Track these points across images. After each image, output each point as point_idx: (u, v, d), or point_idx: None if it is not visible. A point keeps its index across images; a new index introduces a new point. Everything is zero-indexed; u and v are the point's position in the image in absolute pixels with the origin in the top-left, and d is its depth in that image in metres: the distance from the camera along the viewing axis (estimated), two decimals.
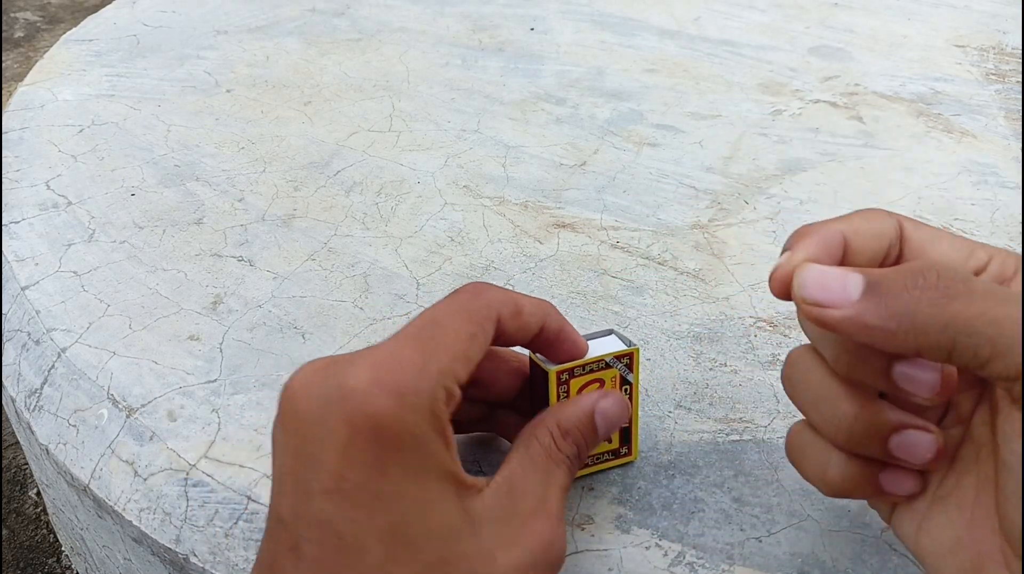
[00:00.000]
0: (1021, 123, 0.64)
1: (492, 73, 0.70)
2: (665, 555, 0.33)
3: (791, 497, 0.35)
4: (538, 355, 0.32)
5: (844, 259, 0.27)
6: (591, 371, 0.32)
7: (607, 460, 0.35)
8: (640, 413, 0.39)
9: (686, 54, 0.74)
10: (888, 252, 0.27)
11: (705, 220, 0.52)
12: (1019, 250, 0.50)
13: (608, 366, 0.32)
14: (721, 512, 0.34)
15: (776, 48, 0.76)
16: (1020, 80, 0.71)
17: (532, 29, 0.78)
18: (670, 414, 0.39)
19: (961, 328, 0.22)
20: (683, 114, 0.65)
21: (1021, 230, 0.52)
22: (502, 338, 0.30)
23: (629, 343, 0.33)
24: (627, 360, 0.33)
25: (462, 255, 0.49)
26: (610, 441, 0.34)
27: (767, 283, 0.27)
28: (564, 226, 0.52)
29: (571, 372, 0.32)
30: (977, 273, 0.26)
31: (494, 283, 0.44)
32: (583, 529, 0.33)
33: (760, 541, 0.33)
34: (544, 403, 0.32)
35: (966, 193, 0.56)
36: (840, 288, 0.24)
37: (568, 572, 0.32)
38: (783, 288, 0.26)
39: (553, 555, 0.27)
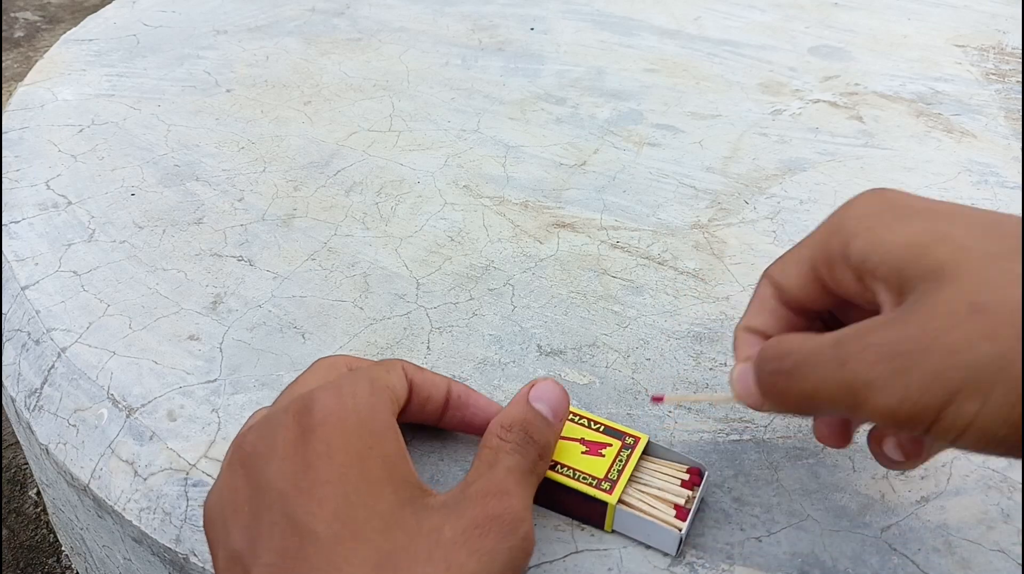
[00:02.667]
0: (1021, 123, 0.64)
1: (492, 73, 0.70)
2: (665, 555, 0.33)
3: (791, 497, 0.35)
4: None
5: (783, 298, 0.31)
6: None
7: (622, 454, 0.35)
8: (639, 413, 0.39)
9: (686, 54, 0.74)
10: (817, 270, 0.30)
11: (705, 220, 0.52)
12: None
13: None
14: (721, 512, 0.34)
15: (776, 48, 0.76)
16: (1020, 80, 0.71)
17: (532, 29, 0.78)
18: (670, 414, 0.39)
19: (813, 407, 0.28)
20: (683, 114, 0.65)
21: (1021, 230, 0.52)
22: (413, 391, 0.33)
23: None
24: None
25: (462, 255, 0.49)
26: (610, 445, 0.34)
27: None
28: (564, 226, 0.52)
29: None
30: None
31: (504, 282, 0.44)
32: (583, 529, 0.33)
33: (760, 541, 0.33)
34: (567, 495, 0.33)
35: (966, 193, 0.56)
36: (747, 393, 0.29)
37: (568, 572, 0.32)
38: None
39: (506, 524, 0.27)
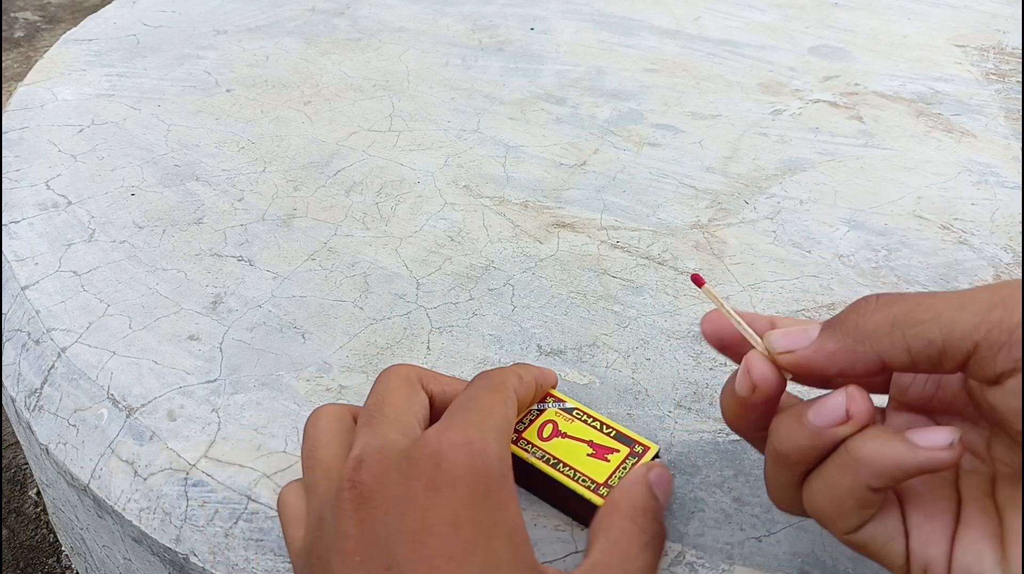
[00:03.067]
0: (1021, 123, 0.64)
1: (492, 73, 0.70)
2: (665, 555, 0.33)
3: None
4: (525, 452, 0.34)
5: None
6: (531, 421, 0.34)
7: (631, 460, 0.35)
8: (639, 412, 0.39)
9: (686, 54, 0.74)
10: None
11: (705, 220, 0.52)
12: (1019, 250, 0.50)
13: (541, 411, 0.35)
14: (721, 512, 0.34)
15: (776, 48, 0.76)
16: (1020, 80, 0.71)
17: (532, 29, 0.78)
18: (670, 414, 0.39)
19: (906, 322, 0.24)
20: (683, 114, 0.65)
21: (1021, 230, 0.52)
22: (521, 405, 0.32)
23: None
24: (552, 399, 0.36)
25: (462, 255, 0.49)
26: (617, 450, 0.34)
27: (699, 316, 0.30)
28: (564, 226, 0.52)
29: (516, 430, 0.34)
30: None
31: (504, 282, 0.44)
32: (583, 529, 0.33)
33: (760, 541, 0.33)
34: (539, 476, 0.33)
35: (966, 193, 0.56)
36: (802, 333, 0.26)
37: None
38: (721, 345, 0.31)
39: None
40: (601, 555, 0.28)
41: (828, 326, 0.26)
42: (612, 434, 0.34)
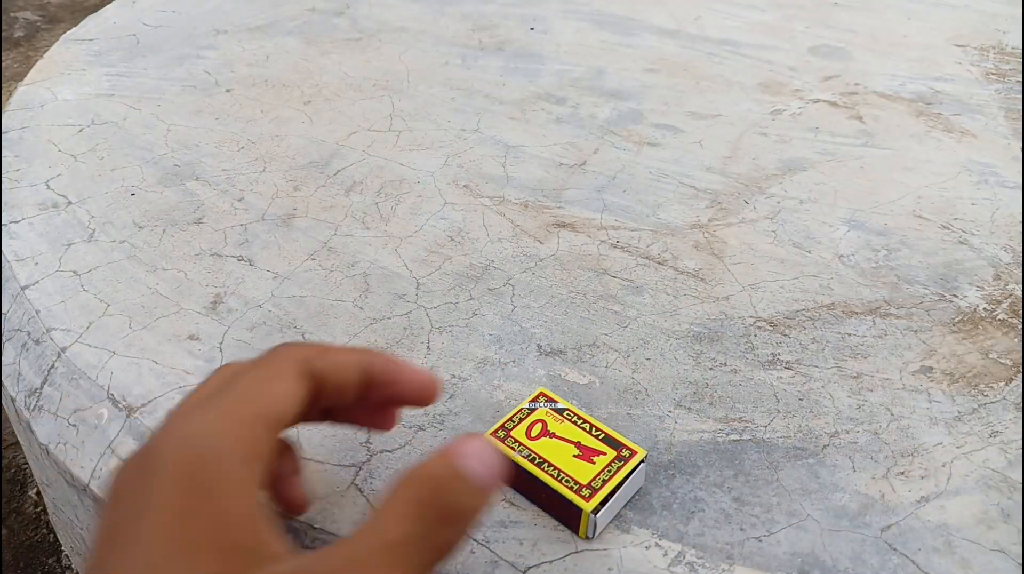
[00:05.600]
0: (1021, 123, 0.64)
1: (492, 73, 0.70)
2: (665, 555, 0.33)
3: (791, 497, 0.35)
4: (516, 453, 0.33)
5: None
6: (521, 421, 0.34)
7: (618, 466, 0.34)
8: (639, 412, 0.39)
9: (686, 54, 0.74)
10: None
11: (705, 220, 0.52)
12: (1019, 250, 0.50)
13: (532, 410, 0.35)
14: (721, 512, 0.34)
15: (776, 48, 0.76)
16: (1020, 80, 0.71)
17: (532, 29, 0.78)
18: (670, 414, 0.39)
19: None
20: (683, 114, 0.65)
21: (1021, 230, 0.52)
22: (325, 381, 0.28)
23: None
24: (544, 399, 0.35)
25: (462, 255, 0.49)
26: (604, 453, 0.34)
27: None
28: (564, 226, 0.52)
29: (504, 427, 0.34)
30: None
31: (504, 282, 0.44)
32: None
33: (760, 541, 0.33)
34: (534, 482, 0.33)
35: (966, 193, 0.56)
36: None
37: (568, 572, 0.32)
38: None
39: None
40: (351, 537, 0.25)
41: None
42: (601, 437, 0.34)
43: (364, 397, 0.30)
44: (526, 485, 0.34)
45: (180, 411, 0.27)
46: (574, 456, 0.33)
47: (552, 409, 0.35)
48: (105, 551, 0.24)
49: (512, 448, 0.33)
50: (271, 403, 0.26)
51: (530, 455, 0.33)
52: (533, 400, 0.36)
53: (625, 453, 0.34)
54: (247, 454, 0.25)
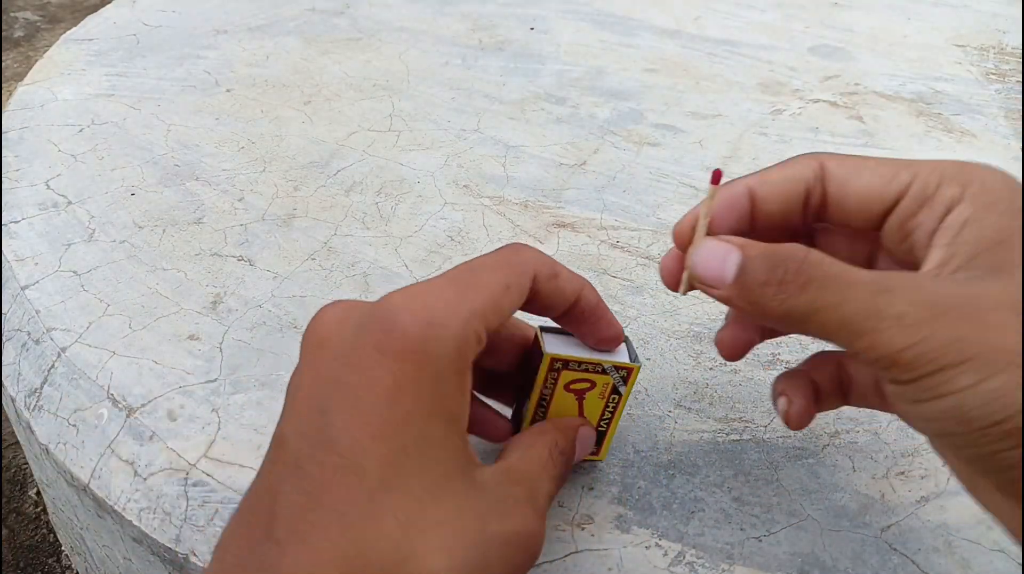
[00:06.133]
0: (1021, 123, 0.64)
1: (492, 73, 0.70)
2: (665, 555, 0.33)
3: (791, 497, 0.35)
4: (544, 333, 0.32)
5: (753, 210, 0.29)
6: (585, 370, 0.32)
7: None
8: (639, 412, 0.39)
9: (686, 54, 0.74)
10: (809, 193, 0.28)
11: None
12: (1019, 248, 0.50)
13: (604, 372, 0.32)
14: (721, 512, 0.34)
15: (776, 48, 0.76)
16: (1020, 80, 0.71)
17: (532, 29, 0.78)
18: (670, 414, 0.39)
19: (804, 320, 0.25)
20: (683, 114, 0.65)
21: (1021, 230, 0.52)
22: (537, 299, 0.29)
23: (635, 358, 0.33)
24: (624, 373, 0.32)
25: (462, 255, 0.49)
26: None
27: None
28: (564, 226, 0.52)
29: (566, 363, 0.31)
30: (899, 198, 0.27)
31: None
32: (583, 529, 0.33)
33: (760, 541, 0.33)
34: (531, 383, 0.32)
35: None
36: (719, 269, 0.26)
37: (568, 572, 0.32)
38: (681, 243, 0.30)
39: (534, 546, 0.27)
40: (519, 462, 0.29)
41: (741, 277, 0.26)
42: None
43: (560, 318, 0.31)
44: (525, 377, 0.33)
45: (414, 288, 0.27)
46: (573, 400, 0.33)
47: (616, 383, 0.33)
48: (324, 402, 0.25)
49: (547, 378, 0.32)
50: (498, 308, 0.27)
51: (546, 396, 0.32)
52: (621, 368, 0.33)
53: (592, 449, 0.34)
54: (472, 346, 0.26)
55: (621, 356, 0.32)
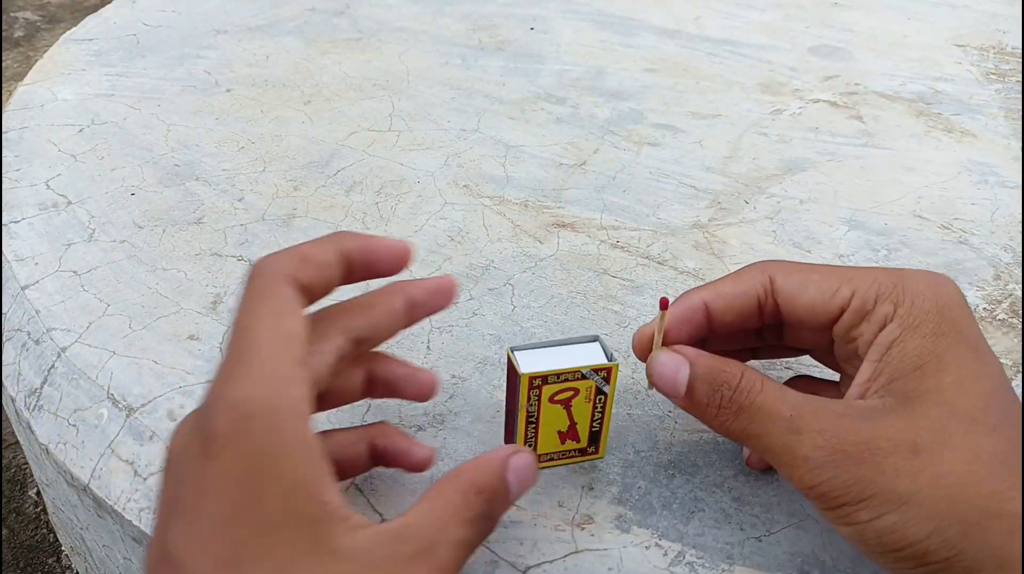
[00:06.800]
0: (1021, 123, 0.64)
1: (492, 73, 0.70)
2: (665, 555, 0.33)
3: (791, 497, 0.35)
4: (516, 352, 0.32)
5: (711, 320, 0.32)
6: (566, 380, 0.32)
7: (573, 457, 0.35)
8: (639, 412, 0.39)
9: (686, 53, 0.74)
10: (761, 304, 0.32)
11: (705, 220, 0.52)
12: (1019, 250, 0.50)
13: (584, 377, 0.32)
14: (721, 512, 0.34)
15: (776, 47, 0.76)
16: (1020, 80, 0.71)
17: (532, 29, 0.78)
18: (670, 414, 0.39)
19: (741, 440, 0.30)
20: (683, 113, 0.65)
21: (1021, 230, 0.52)
22: (315, 291, 0.29)
23: (611, 357, 0.33)
24: (604, 374, 0.32)
25: (462, 255, 0.49)
26: (578, 440, 0.34)
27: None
28: (564, 226, 0.52)
29: (544, 379, 0.32)
30: (841, 311, 0.30)
31: (504, 282, 0.44)
32: (583, 529, 0.33)
33: (760, 541, 0.33)
34: (515, 405, 0.32)
35: (966, 193, 0.56)
36: (672, 380, 0.31)
37: (568, 572, 0.32)
38: (640, 354, 0.33)
39: None
40: (414, 517, 0.26)
41: (689, 393, 0.31)
42: (595, 429, 0.34)
43: (349, 281, 0.30)
44: (510, 412, 0.34)
45: (220, 377, 0.26)
46: (558, 431, 0.33)
47: (599, 385, 0.33)
48: (165, 530, 0.24)
49: (529, 396, 0.32)
50: (290, 345, 0.26)
51: (532, 413, 0.32)
52: (600, 369, 0.33)
53: (590, 450, 0.35)
54: (293, 407, 0.25)
55: (597, 357, 0.33)
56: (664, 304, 0.31)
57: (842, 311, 0.30)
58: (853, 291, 0.30)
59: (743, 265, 0.34)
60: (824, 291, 0.31)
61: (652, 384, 0.32)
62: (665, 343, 0.32)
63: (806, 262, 0.33)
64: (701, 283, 0.47)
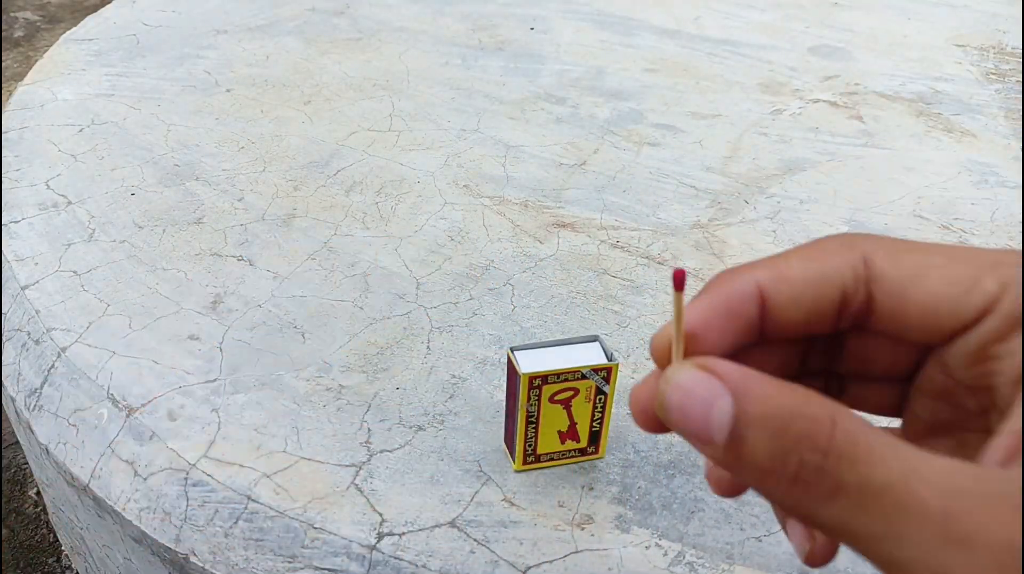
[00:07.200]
0: (1021, 123, 0.64)
1: (492, 73, 0.70)
2: (665, 554, 0.33)
3: None
4: (516, 352, 0.33)
5: (764, 317, 0.20)
6: (566, 380, 0.32)
7: (573, 457, 0.35)
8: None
9: (686, 53, 0.74)
10: (846, 299, 0.20)
11: (705, 219, 0.52)
12: (1019, 249, 0.50)
13: (584, 377, 0.32)
14: (721, 512, 0.34)
15: (776, 47, 0.76)
16: (1020, 80, 0.71)
17: (532, 29, 0.78)
18: None
19: (834, 535, 0.17)
20: (683, 113, 0.65)
21: (1021, 230, 0.52)
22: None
23: (611, 357, 0.33)
24: (604, 374, 0.33)
25: (462, 255, 0.49)
26: (578, 440, 0.35)
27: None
28: (564, 225, 0.52)
29: (545, 379, 0.32)
30: (981, 315, 0.19)
31: (504, 282, 0.44)
32: (583, 529, 0.33)
33: (760, 540, 0.33)
34: (515, 405, 0.33)
35: (966, 193, 0.56)
36: (702, 419, 0.18)
37: (568, 572, 0.32)
38: (661, 362, 0.20)
39: None
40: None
41: (736, 447, 0.17)
42: (594, 429, 0.35)
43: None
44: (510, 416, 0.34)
45: None
46: (558, 431, 0.34)
47: (599, 385, 0.33)
48: None
49: (529, 395, 0.32)
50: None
51: (532, 412, 0.33)
52: (600, 369, 0.32)
53: (590, 450, 0.35)
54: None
55: (597, 357, 0.33)
56: (679, 280, 0.19)
57: (982, 314, 0.19)
58: (1002, 285, 0.19)
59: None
60: (954, 283, 0.19)
61: (663, 419, 0.19)
62: (688, 351, 0.19)
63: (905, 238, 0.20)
64: (701, 283, 0.47)
